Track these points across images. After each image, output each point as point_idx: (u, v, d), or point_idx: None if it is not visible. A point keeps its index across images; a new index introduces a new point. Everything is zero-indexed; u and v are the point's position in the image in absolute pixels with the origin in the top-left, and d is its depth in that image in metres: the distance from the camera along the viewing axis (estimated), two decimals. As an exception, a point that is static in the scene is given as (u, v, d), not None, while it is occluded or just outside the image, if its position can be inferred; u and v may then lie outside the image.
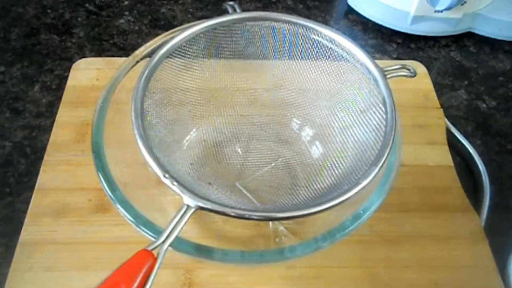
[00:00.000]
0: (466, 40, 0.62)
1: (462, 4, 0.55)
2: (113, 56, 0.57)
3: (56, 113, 0.49)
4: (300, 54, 0.40)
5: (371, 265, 0.40)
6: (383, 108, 0.34)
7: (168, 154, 0.35)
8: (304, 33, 0.39)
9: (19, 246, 0.39)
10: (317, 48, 0.39)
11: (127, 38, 0.59)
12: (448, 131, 0.50)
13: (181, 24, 0.60)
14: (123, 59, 0.40)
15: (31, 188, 0.43)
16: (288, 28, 0.40)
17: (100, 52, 0.57)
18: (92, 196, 0.42)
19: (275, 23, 0.40)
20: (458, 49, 0.61)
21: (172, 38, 0.37)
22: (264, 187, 0.41)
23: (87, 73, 0.52)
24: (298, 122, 0.45)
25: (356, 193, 0.30)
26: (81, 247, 0.40)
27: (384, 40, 0.61)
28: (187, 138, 0.42)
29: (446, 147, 0.48)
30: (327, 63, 0.39)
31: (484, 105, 0.54)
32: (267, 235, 0.40)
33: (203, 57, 0.40)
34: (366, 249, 0.40)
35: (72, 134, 0.47)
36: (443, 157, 0.47)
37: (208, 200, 0.29)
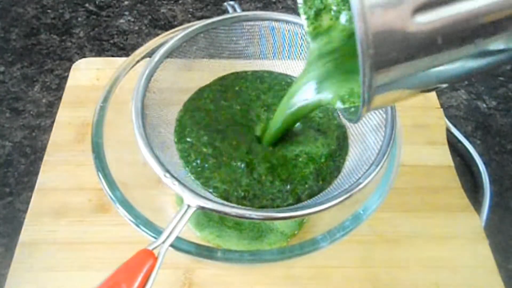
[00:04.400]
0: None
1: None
2: (113, 56, 0.57)
3: (56, 113, 0.49)
4: (300, 54, 0.40)
5: (371, 265, 0.40)
6: (383, 108, 0.34)
7: (168, 154, 0.35)
8: (304, 33, 0.39)
9: (19, 246, 0.39)
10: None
11: (127, 38, 0.59)
12: (448, 131, 0.50)
13: (181, 24, 0.60)
14: (123, 59, 0.40)
15: (31, 188, 0.43)
16: (288, 28, 0.40)
17: (100, 52, 0.57)
18: (92, 196, 0.42)
19: (275, 23, 0.40)
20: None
21: (172, 38, 0.37)
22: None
23: (87, 73, 0.52)
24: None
25: (356, 193, 0.30)
26: (81, 247, 0.40)
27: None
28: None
29: (446, 147, 0.48)
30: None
31: (484, 105, 0.54)
32: (267, 235, 0.40)
33: (203, 57, 0.40)
34: (366, 249, 0.40)
35: (72, 134, 0.47)
36: (443, 157, 0.47)
37: (209, 199, 0.29)
